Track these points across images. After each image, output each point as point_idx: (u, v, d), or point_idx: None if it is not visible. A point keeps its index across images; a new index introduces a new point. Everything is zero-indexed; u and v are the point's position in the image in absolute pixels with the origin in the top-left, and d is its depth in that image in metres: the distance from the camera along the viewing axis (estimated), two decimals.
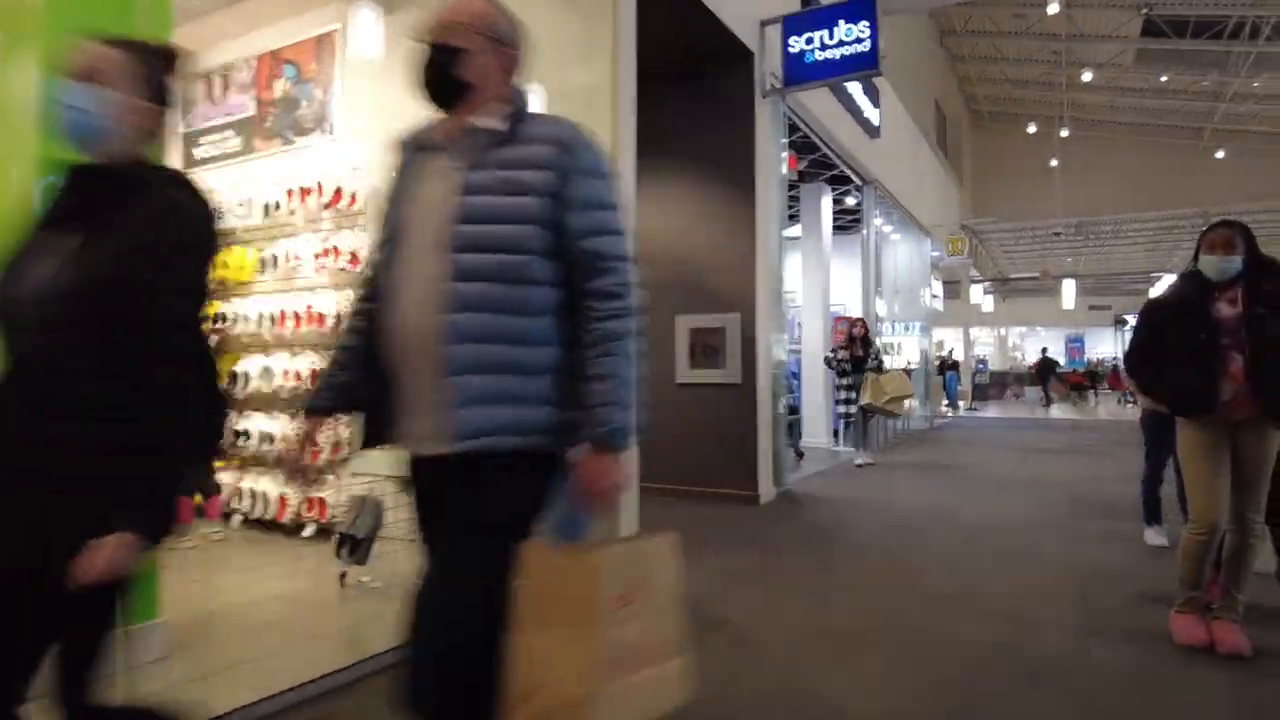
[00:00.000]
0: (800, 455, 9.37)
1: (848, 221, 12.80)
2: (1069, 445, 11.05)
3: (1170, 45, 18.29)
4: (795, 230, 11.68)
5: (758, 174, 6.37)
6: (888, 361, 10.24)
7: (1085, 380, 25.14)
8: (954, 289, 25.06)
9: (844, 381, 8.58)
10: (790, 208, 12.12)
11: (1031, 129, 21.82)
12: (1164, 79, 19.26)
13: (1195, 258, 3.07)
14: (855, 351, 8.57)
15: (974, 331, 38.29)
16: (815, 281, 10.92)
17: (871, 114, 9.61)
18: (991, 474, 8.05)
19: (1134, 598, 3.73)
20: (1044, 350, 25.45)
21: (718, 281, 6.45)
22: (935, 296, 17.99)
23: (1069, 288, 26.52)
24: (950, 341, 31.52)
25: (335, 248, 4.84)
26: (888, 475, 7.95)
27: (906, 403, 9.41)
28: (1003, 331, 40.75)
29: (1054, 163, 22.08)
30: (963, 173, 23.44)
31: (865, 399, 8.27)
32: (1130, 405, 22.92)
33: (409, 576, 1.56)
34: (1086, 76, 17.70)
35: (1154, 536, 4.93)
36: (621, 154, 4.35)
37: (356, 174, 4.88)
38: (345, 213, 4.93)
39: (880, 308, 12.02)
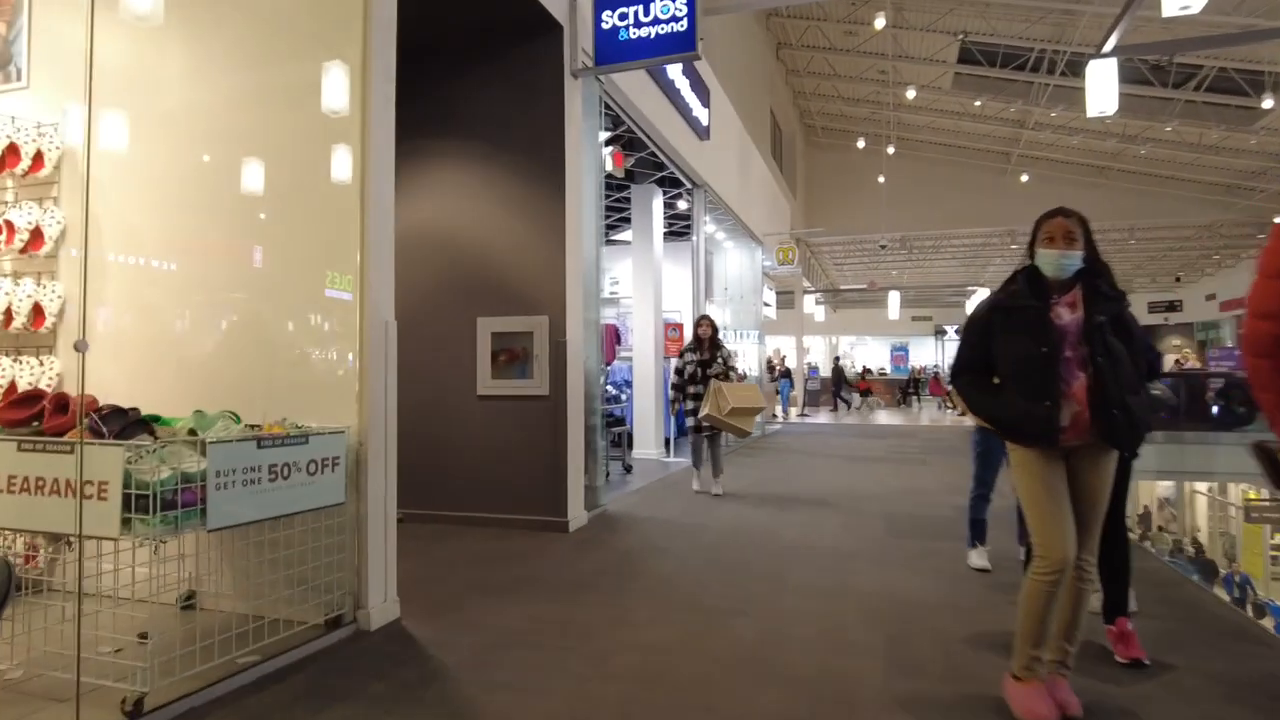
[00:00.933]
0: (629, 469, 8.85)
1: (681, 227, 12.51)
2: (892, 453, 11.20)
3: (982, 72, 19.43)
4: (628, 235, 11.20)
5: (568, 161, 5.74)
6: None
7: (870, 387, 26.68)
8: (788, 299, 25.72)
9: (694, 390, 7.17)
10: (621, 209, 11.65)
11: (861, 144, 22.66)
12: (977, 103, 20.47)
13: (1030, 252, 2.65)
14: (702, 355, 7.21)
15: (806, 340, 39.87)
16: (647, 286, 10.47)
17: (700, 114, 9.26)
18: (815, 487, 7.83)
19: (958, 642, 3.35)
20: (836, 359, 26.75)
21: (523, 280, 5.76)
22: (768, 305, 18.18)
23: (894, 299, 27.89)
24: (784, 350, 32.44)
25: (8, 223, 3.75)
26: (736, 492, 7.55)
27: (757, 418, 8.26)
28: (834, 340, 42.67)
29: (881, 179, 23.06)
30: (796, 186, 24.07)
31: (705, 410, 6.77)
32: (951, 411, 24.29)
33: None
34: (910, 94, 18.49)
35: (977, 559, 4.69)
36: (373, 139, 3.59)
37: (47, 132, 3.83)
38: (26, 181, 3.86)
39: (713, 314, 11.77)
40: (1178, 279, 32.04)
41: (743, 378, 7.70)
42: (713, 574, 4.52)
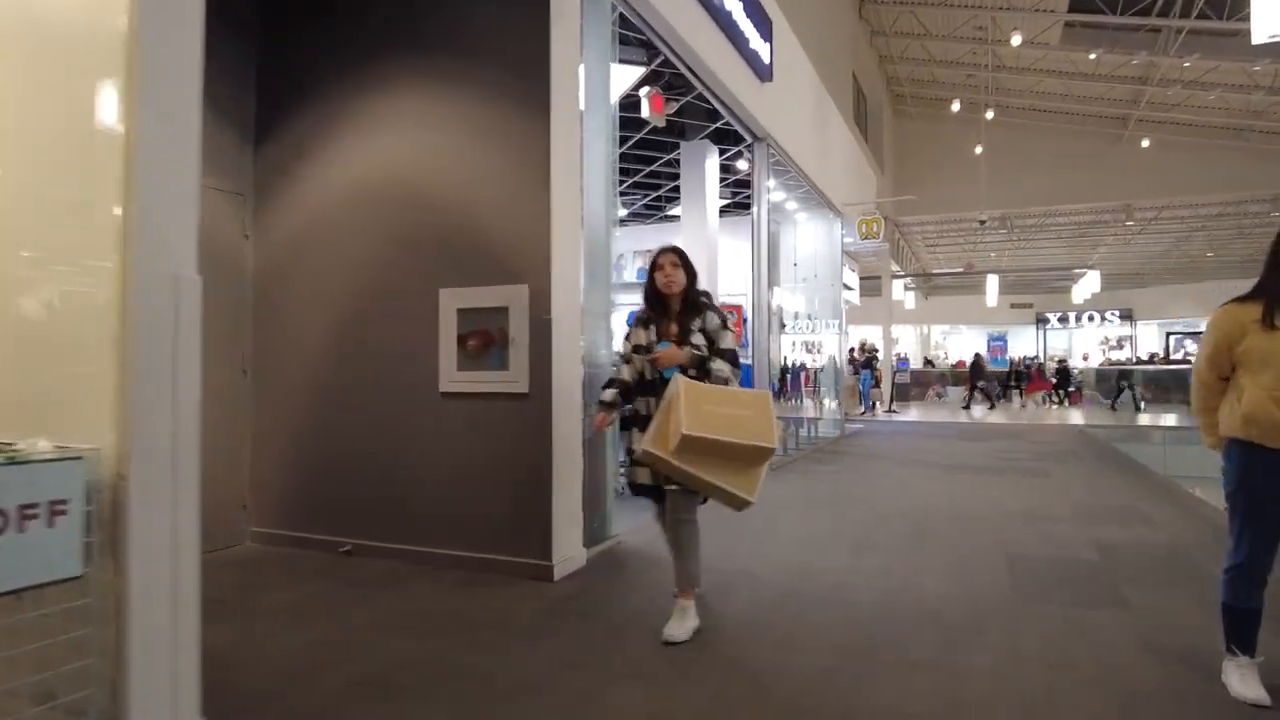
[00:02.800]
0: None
1: (745, 196, 10.85)
2: (998, 459, 9.29)
3: (1099, 20, 16.96)
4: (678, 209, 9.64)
5: (555, 80, 4.22)
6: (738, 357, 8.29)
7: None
8: (874, 285, 23.62)
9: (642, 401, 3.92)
10: (670, 172, 10.10)
11: (955, 107, 20.31)
12: (1092, 57, 17.96)
13: None
14: (661, 325, 3.48)
15: (895, 330, 37.32)
16: (698, 262, 8.86)
17: (760, 47, 7.60)
18: (904, 508, 6.11)
19: None
20: (976, 355, 24.17)
21: (498, 239, 4.29)
22: (849, 288, 16.28)
23: (992, 283, 25.38)
24: (871, 339, 30.21)
25: None
26: (765, 513, 5.92)
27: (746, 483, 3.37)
28: (925, 330, 39.97)
29: (979, 149, 20.69)
30: (883, 160, 21.92)
31: (643, 444, 3.14)
32: (1055, 406, 21.76)
33: None
34: (1015, 40, 16.18)
35: (1241, 680, 2.62)
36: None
37: None
38: None
39: (779, 298, 10.09)
40: None
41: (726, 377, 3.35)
42: (755, 657, 2.96)
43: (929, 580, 4.05)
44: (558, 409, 4.13)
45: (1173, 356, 30.09)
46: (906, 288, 27.86)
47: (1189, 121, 20.94)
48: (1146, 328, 35.07)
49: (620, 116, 8.56)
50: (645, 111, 7.13)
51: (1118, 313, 34.72)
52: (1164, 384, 21.71)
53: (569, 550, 4.22)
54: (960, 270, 28.60)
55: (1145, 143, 21.16)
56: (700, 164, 8.79)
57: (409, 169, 4.54)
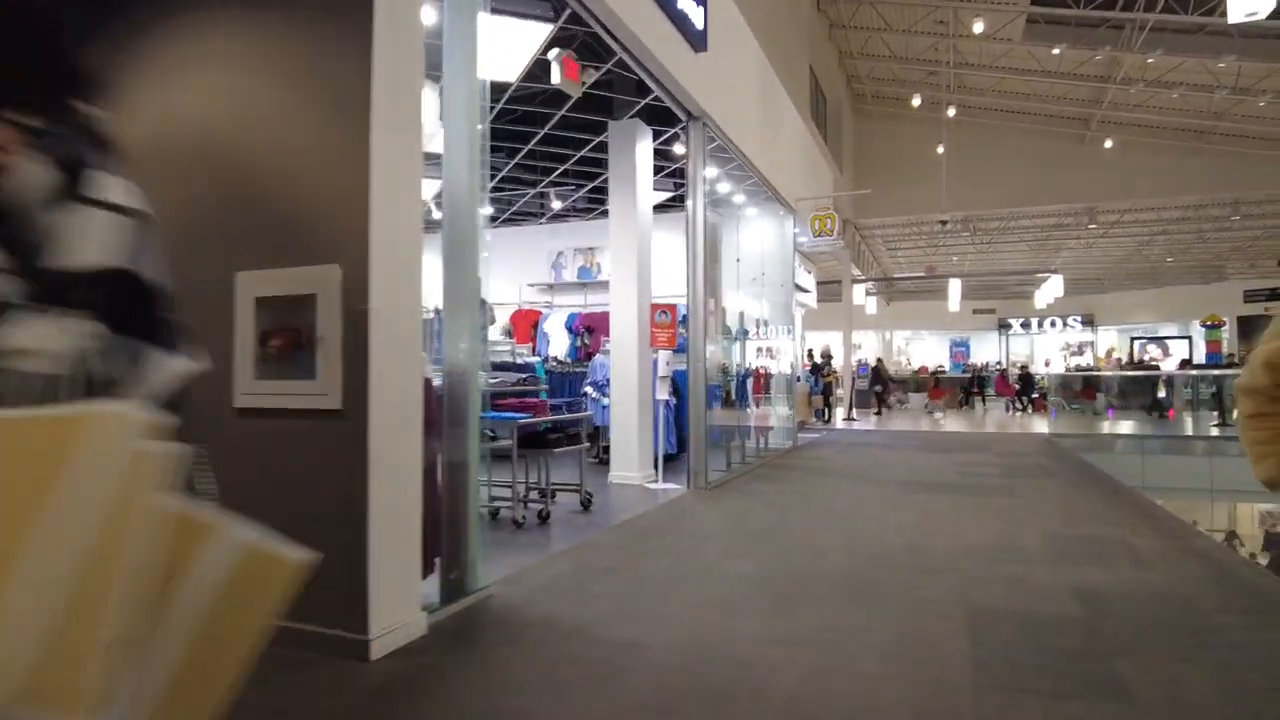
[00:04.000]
0: (586, 504, 6.33)
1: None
2: (961, 474, 8.42)
3: (1062, 13, 16.38)
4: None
5: (379, 12, 3.20)
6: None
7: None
8: (835, 290, 22.92)
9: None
10: (597, 156, 9.14)
11: (916, 102, 19.65)
12: (1055, 52, 17.37)
13: None
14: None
15: (858, 336, 36.76)
16: (628, 255, 7.92)
17: (691, 9, 6.65)
18: (850, 542, 5.16)
19: None
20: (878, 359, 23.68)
21: (305, 207, 3.27)
22: (805, 290, 15.44)
23: (955, 288, 24.86)
24: (831, 345, 29.62)
25: None
26: (686, 548, 4.95)
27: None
28: (888, 335, 39.54)
29: (940, 149, 20.04)
30: (843, 161, 21.20)
31: None
32: (1019, 413, 21.19)
33: None
34: (978, 27, 15.52)
35: None
36: None
37: None
38: None
39: (726, 298, 9.16)
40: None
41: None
42: None
43: (868, 656, 3.09)
44: (379, 430, 3.10)
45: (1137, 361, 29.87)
46: (868, 292, 27.20)
47: (1151, 123, 20.52)
48: (1107, 333, 34.89)
49: (536, 88, 7.64)
50: (557, 78, 6.15)
51: (1079, 318, 34.51)
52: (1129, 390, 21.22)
53: (399, 616, 3.19)
54: (922, 274, 28.03)
55: (1108, 143, 20.70)
56: (630, 146, 7.82)
57: (202, 127, 3.49)
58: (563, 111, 7.98)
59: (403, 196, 3.30)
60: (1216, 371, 19.03)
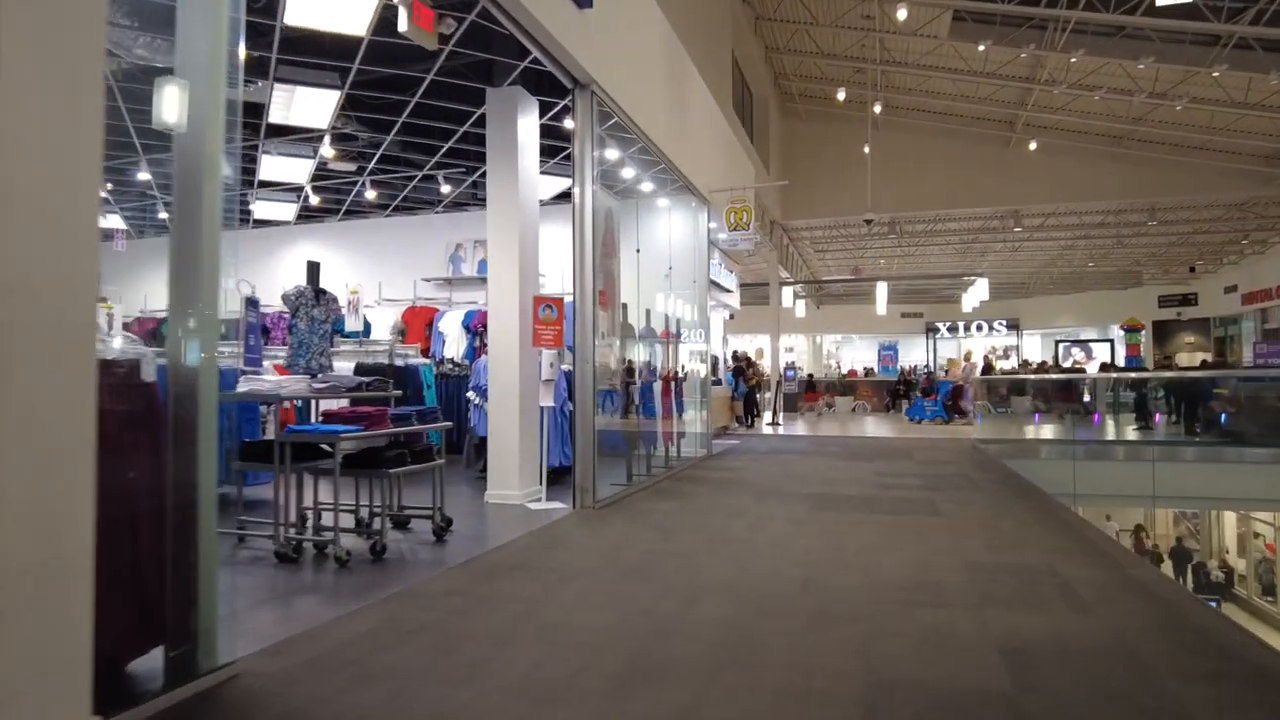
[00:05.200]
0: (441, 530, 5.34)
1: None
2: (879, 486, 7.69)
3: (988, 8, 16.04)
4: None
5: None
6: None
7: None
8: (763, 292, 22.35)
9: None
10: (477, 127, 8.15)
11: (841, 95, 19.15)
12: (980, 48, 17.03)
13: None
14: None
15: (788, 340, 36.47)
16: (507, 240, 6.95)
17: None
18: (735, 579, 4.29)
19: None
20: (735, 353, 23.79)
21: None
22: (727, 290, 14.69)
23: (882, 290, 24.53)
24: (763, 349, 29.37)
25: None
26: (529, 596, 4.00)
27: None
28: (819, 339, 39.45)
29: (866, 149, 19.61)
30: (770, 160, 20.59)
31: None
32: (945, 423, 20.87)
33: None
34: (901, 14, 15.01)
35: None
36: None
37: None
38: None
39: (630, 299, 8.27)
40: (1192, 269, 28.74)
41: None
42: None
43: None
44: (8, 457, 2.07)
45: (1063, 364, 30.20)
46: (797, 295, 26.76)
47: (1074, 127, 20.47)
48: (1031, 337, 35.33)
49: (401, 44, 6.54)
50: (404, 25, 5.15)
51: (1005, 322, 34.84)
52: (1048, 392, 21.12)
53: None
54: (850, 277, 27.75)
55: (1033, 145, 20.58)
56: (511, 117, 6.85)
57: None
58: (431, 75, 6.97)
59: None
60: (1136, 375, 19.01)
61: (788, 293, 24.36)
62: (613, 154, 8.66)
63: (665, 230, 9.98)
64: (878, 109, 19.21)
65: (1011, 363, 32.93)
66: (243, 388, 4.94)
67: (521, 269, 6.89)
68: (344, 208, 12.26)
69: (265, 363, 6.98)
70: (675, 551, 5.00)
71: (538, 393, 6.84)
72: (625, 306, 8.17)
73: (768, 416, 18.27)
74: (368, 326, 11.64)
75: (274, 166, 9.75)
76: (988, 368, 23.42)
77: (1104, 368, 23.99)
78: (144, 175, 9.56)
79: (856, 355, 38.70)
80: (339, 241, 13.07)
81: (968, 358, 23.06)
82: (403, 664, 3.01)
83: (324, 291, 5.88)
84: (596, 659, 3.05)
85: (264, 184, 10.60)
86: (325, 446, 4.87)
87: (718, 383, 14.66)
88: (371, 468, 4.93)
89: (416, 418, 5.41)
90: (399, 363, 9.13)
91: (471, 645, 3.22)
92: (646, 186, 9.89)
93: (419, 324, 11.30)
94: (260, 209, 12.14)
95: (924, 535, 5.41)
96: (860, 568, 4.50)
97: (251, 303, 5.52)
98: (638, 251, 8.32)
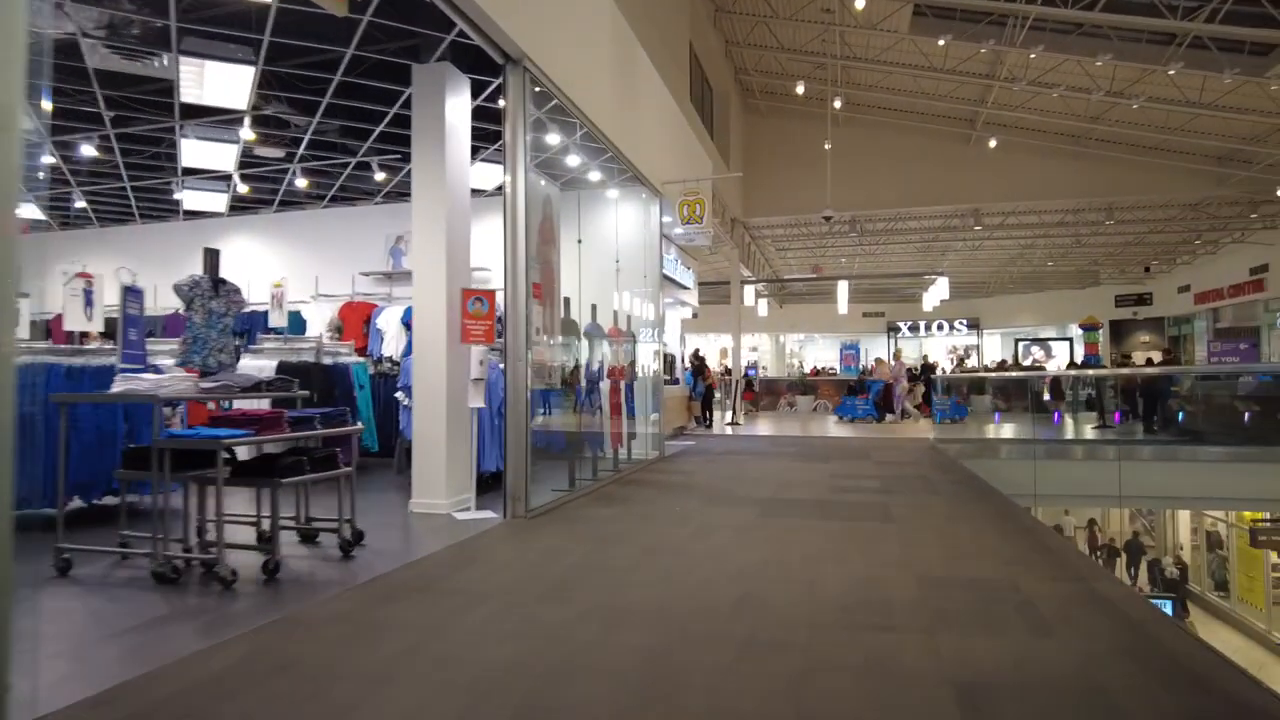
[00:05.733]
0: (349, 545, 4.84)
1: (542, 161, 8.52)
2: (833, 490, 7.33)
3: (947, 3, 15.86)
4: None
5: None
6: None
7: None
8: (724, 290, 22.04)
9: None
10: (408, 110, 7.64)
11: (800, 89, 18.88)
12: (940, 42, 16.85)
13: None
14: None
15: (752, 339, 36.25)
16: (432, 230, 6.45)
17: None
18: (666, 599, 3.87)
19: None
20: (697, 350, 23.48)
21: None
22: (685, 287, 14.30)
23: (843, 289, 24.39)
24: (717, 347, 29.20)
25: None
26: (430, 623, 3.52)
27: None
28: (782, 339, 39.34)
29: (827, 146, 19.35)
30: (731, 158, 20.25)
31: None
32: (899, 421, 20.75)
33: None
34: (860, 2, 14.75)
35: None
36: None
37: None
38: None
39: (573, 298, 7.81)
40: (1147, 269, 29.05)
41: None
42: None
43: None
44: None
45: (1022, 363, 30.39)
46: (759, 294, 26.49)
47: (1033, 125, 20.43)
48: (991, 336, 35.54)
49: (309, 12, 5.99)
50: None
51: (965, 321, 35.01)
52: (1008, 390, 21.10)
53: None
54: (811, 275, 27.58)
55: (993, 143, 20.52)
56: (438, 96, 6.34)
57: None
58: (352, 50, 6.45)
59: None
60: (1094, 372, 19.01)
61: (749, 291, 24.07)
62: (554, 139, 8.20)
63: (613, 222, 9.54)
64: (838, 104, 18.96)
65: (973, 361, 33.09)
66: (118, 387, 4.39)
67: (450, 260, 6.39)
68: (277, 198, 11.63)
69: (171, 361, 6.37)
70: (605, 566, 4.55)
71: (466, 393, 6.35)
72: (568, 301, 7.71)
73: (728, 416, 17.93)
74: (300, 322, 11.02)
75: (195, 151, 9.11)
76: (928, 369, 23.28)
77: (1071, 367, 24.09)
78: None
79: (819, 354, 38.68)
80: (273, 234, 12.42)
81: (897, 357, 23.06)
82: (255, 712, 2.52)
83: (224, 281, 5.33)
84: (483, 705, 2.60)
85: (188, 171, 9.95)
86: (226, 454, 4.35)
87: (674, 382, 14.26)
88: (261, 477, 4.41)
89: (320, 421, 4.90)
90: (327, 361, 8.56)
91: (343, 686, 2.74)
92: (594, 176, 9.44)
93: (356, 320, 10.71)
94: (189, 199, 11.46)
95: (876, 544, 5.03)
96: (804, 582, 4.10)
97: (132, 292, 4.97)
98: (579, 242, 7.85)
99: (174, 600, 3.96)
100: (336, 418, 5.07)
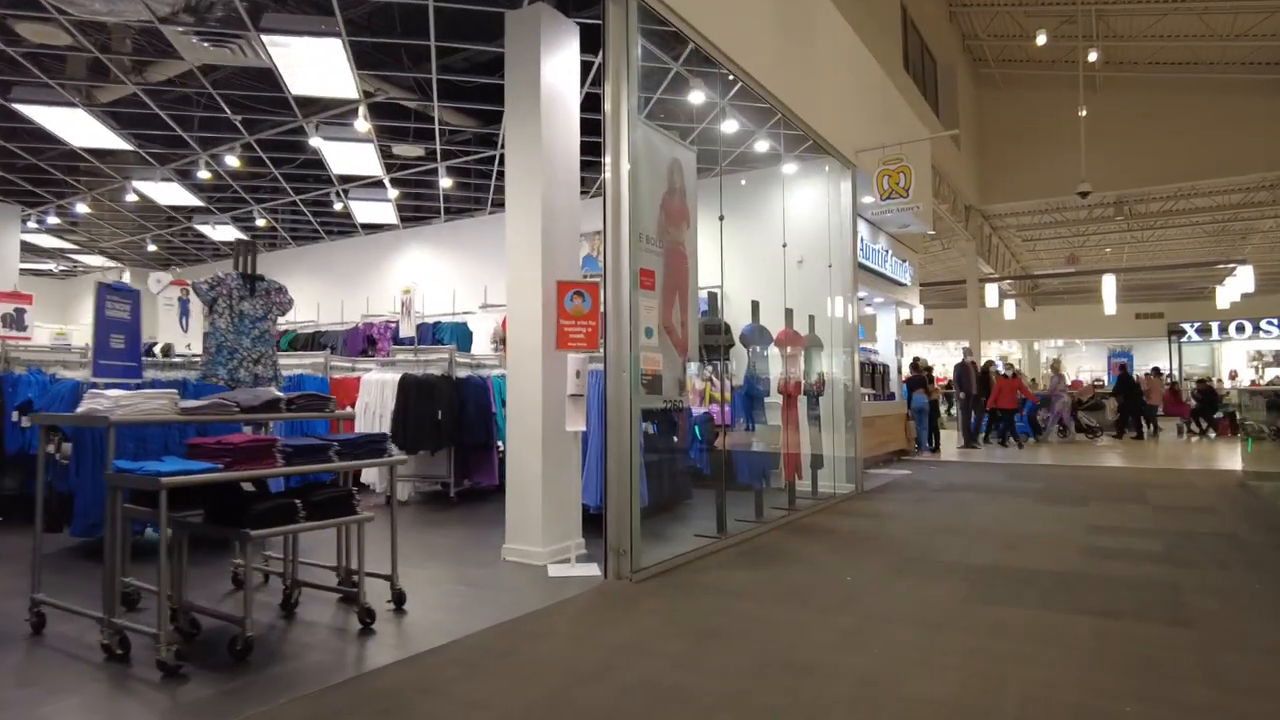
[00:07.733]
0: (369, 618, 3.64)
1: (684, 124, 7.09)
2: (1084, 555, 5.09)
3: None
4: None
5: None
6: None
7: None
8: (959, 292, 19.26)
9: None
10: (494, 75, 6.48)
11: (1041, 40, 15.68)
12: None
13: None
14: None
15: (997, 347, 32.06)
16: (526, 214, 5.20)
17: None
18: None
19: None
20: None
21: None
22: (901, 285, 12.08)
23: (1109, 285, 20.33)
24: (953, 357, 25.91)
25: None
26: None
27: None
28: (1035, 345, 34.60)
29: (1082, 113, 16.02)
30: (960, 136, 17.46)
31: None
32: (1196, 438, 16.66)
33: None
34: None
35: None
36: None
37: None
38: None
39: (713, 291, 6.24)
40: None
41: None
42: None
43: None
44: None
45: None
46: (1004, 294, 22.98)
47: None
48: None
49: None
50: None
51: (1277, 321, 27.99)
52: None
53: None
54: (1067, 269, 23.54)
55: None
56: (533, 46, 5.11)
57: None
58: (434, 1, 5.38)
59: None
60: None
61: (991, 290, 20.82)
62: (697, 97, 6.69)
63: (789, 200, 7.82)
64: (1093, 57, 15.62)
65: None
66: (84, 406, 3.51)
67: (546, 248, 5.11)
68: (441, 205, 11.18)
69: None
70: (682, 693, 2.93)
71: (564, 412, 5.00)
72: (714, 296, 6.15)
73: (958, 440, 15.24)
74: (467, 335, 10.39)
75: (336, 155, 8.68)
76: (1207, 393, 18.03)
77: None
78: None
79: (1082, 363, 33.41)
80: (446, 243, 12.04)
81: (1055, 368, 18.42)
82: None
83: (259, 278, 4.41)
84: None
85: (343, 179, 9.64)
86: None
87: (888, 397, 12.09)
88: (233, 526, 3.31)
89: (340, 451, 3.74)
90: (463, 374, 7.67)
91: None
92: (761, 146, 7.79)
93: None
94: (359, 211, 11.32)
95: (1155, 668, 2.96)
96: None
97: (116, 291, 4.14)
98: (720, 219, 6.21)
99: (90, 689, 2.92)
100: (369, 445, 3.91)
